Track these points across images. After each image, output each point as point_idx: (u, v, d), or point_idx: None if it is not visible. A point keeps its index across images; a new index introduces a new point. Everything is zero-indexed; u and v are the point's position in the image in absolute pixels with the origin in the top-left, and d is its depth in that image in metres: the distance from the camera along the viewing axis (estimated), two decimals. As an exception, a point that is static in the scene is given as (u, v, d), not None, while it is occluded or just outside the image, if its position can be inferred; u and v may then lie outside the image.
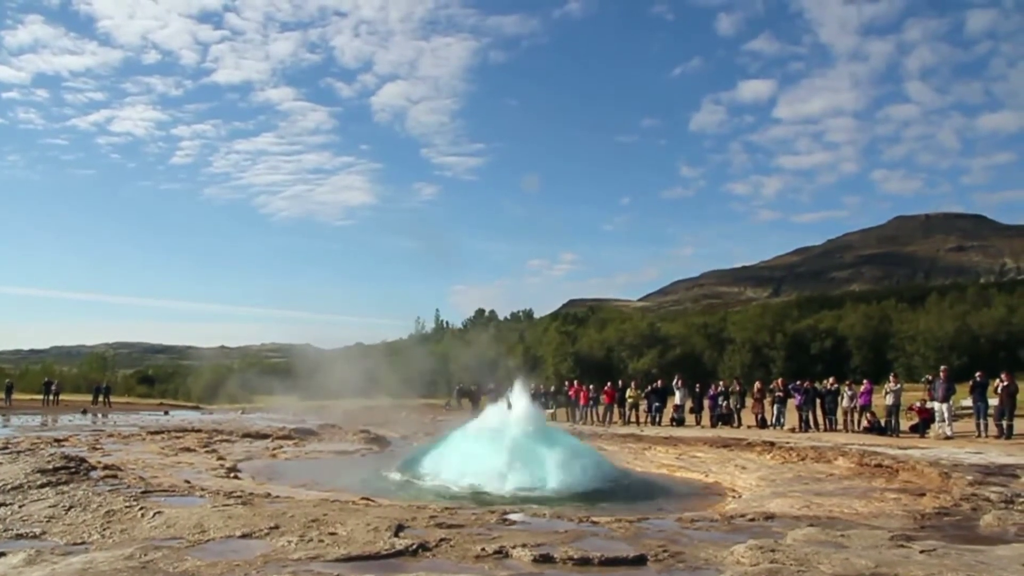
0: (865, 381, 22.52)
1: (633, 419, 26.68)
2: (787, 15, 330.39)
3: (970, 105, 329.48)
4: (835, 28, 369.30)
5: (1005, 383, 18.41)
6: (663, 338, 66.43)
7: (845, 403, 21.94)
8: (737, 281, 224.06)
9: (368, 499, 9.18)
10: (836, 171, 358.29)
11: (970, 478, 10.88)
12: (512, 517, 7.55)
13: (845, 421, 21.73)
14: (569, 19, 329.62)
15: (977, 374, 19.54)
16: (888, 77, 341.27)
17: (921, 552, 6.11)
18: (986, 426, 18.60)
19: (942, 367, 21.56)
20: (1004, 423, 18.01)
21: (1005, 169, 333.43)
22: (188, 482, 10.32)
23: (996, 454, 14.05)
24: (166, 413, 34.69)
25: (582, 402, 28.49)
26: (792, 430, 21.80)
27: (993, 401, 19.06)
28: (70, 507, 7.59)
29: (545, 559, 5.73)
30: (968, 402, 23.49)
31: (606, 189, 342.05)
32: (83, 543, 6.23)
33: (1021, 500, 9.13)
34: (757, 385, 25.61)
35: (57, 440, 16.07)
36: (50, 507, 7.59)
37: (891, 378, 21.92)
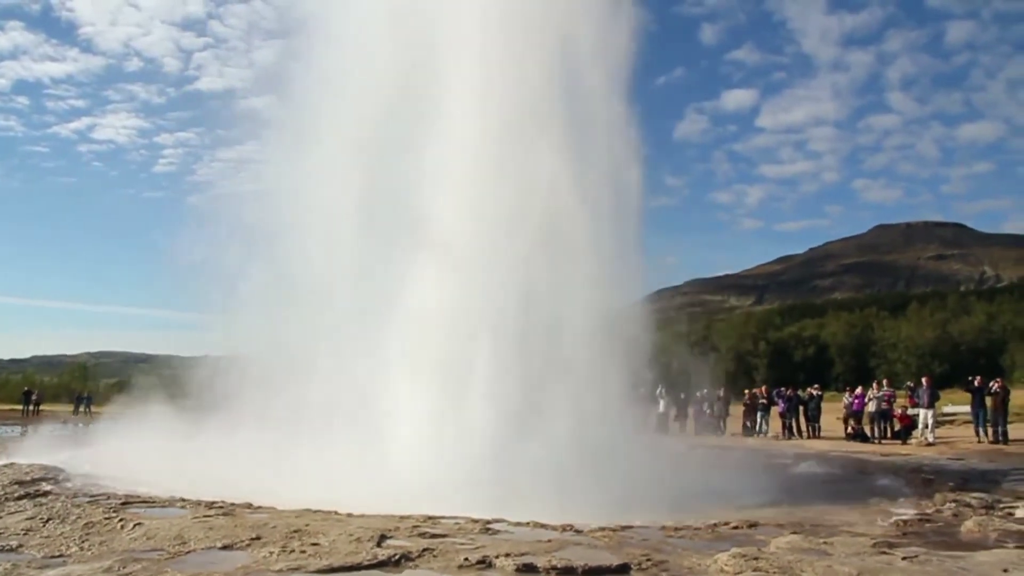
0: (859, 388, 22.55)
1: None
2: (770, 25, 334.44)
3: (950, 115, 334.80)
4: (817, 38, 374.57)
5: (999, 388, 18.53)
6: (647, 346, 66.47)
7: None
8: (720, 289, 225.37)
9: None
10: (818, 180, 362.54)
11: (952, 484, 10.97)
12: (495, 527, 7.51)
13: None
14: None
15: (976, 380, 19.46)
16: (869, 87, 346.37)
17: (903, 559, 6.14)
18: (985, 431, 18.67)
19: (924, 375, 21.70)
20: (1000, 429, 18.14)
21: (984, 178, 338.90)
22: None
23: (977, 461, 14.17)
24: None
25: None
26: (775, 437, 21.89)
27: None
28: (48, 519, 7.48)
29: (528, 568, 5.70)
30: (949, 408, 23.73)
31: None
32: (61, 556, 6.14)
33: (1001, 506, 9.21)
34: (746, 392, 25.65)
35: (36, 451, 15.86)
36: (27, 519, 7.48)
37: (874, 385, 22.03)
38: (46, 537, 6.78)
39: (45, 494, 9.11)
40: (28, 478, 10.22)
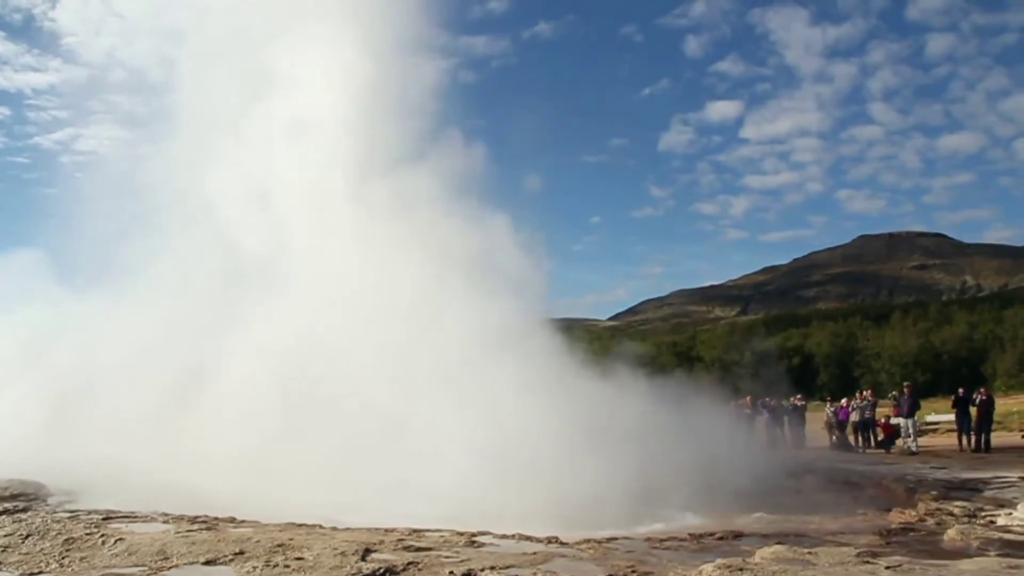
0: (844, 399, 22.62)
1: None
2: (753, 37, 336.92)
3: (931, 126, 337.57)
4: (800, 50, 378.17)
5: (983, 398, 18.65)
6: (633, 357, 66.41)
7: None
8: (705, 300, 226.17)
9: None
10: (802, 191, 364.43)
11: (934, 493, 11.02)
12: (481, 539, 7.49)
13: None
14: (539, 40, 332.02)
15: (960, 390, 19.59)
16: (852, 98, 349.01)
17: (887, 568, 6.16)
18: (969, 440, 18.76)
19: (905, 383, 21.81)
20: (983, 437, 18.25)
21: (965, 189, 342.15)
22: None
23: (960, 469, 14.25)
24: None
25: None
26: (760, 447, 21.88)
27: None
28: (27, 535, 7.38)
29: (514, 581, 5.69)
30: (933, 417, 23.86)
31: (576, 209, 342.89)
32: (40, 573, 6.07)
33: (984, 514, 9.27)
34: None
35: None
36: (6, 536, 7.38)
37: (857, 395, 22.12)
38: (25, 554, 6.69)
39: (24, 509, 8.99)
40: (6, 493, 10.08)
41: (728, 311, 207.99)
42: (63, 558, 6.52)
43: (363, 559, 6.32)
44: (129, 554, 6.62)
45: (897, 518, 9.44)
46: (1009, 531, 8.29)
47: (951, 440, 19.78)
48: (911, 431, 19.14)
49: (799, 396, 24.05)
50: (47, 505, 9.59)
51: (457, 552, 6.79)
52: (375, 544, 6.95)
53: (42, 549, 6.84)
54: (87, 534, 7.38)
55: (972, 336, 56.24)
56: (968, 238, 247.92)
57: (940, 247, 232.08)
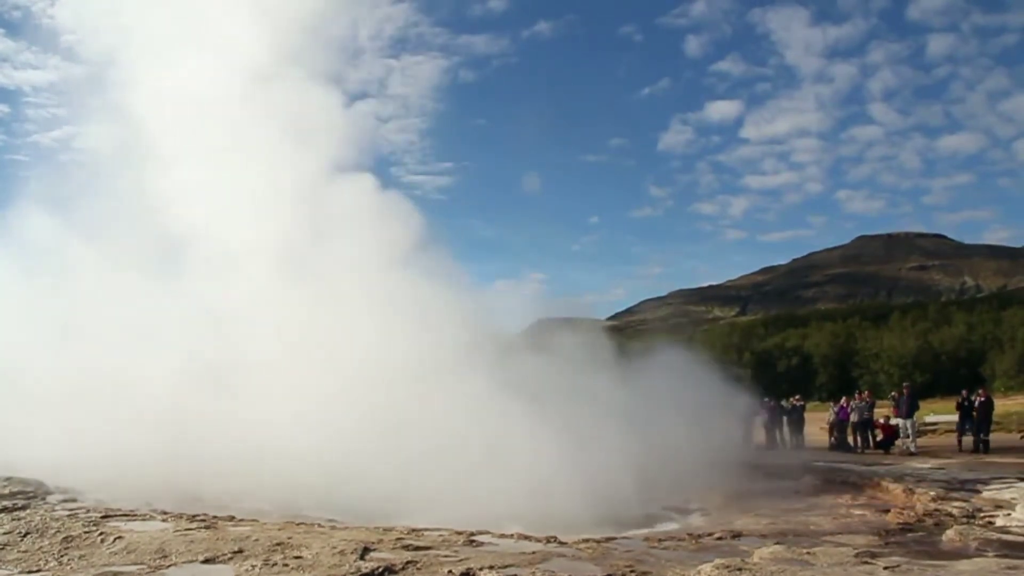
0: (844, 398, 22.64)
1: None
2: (754, 37, 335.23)
3: (931, 127, 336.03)
4: (800, 50, 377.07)
5: (982, 399, 18.67)
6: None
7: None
8: (704, 300, 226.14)
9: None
10: (802, 191, 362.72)
11: (933, 494, 11.03)
12: (480, 539, 7.49)
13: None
14: (538, 39, 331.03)
15: (964, 392, 19.63)
16: (852, 99, 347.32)
17: (885, 568, 6.17)
18: (970, 442, 18.76)
19: (904, 384, 21.82)
20: (981, 437, 18.26)
21: (965, 189, 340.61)
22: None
23: (958, 469, 14.26)
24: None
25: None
26: (759, 448, 21.88)
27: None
28: (26, 533, 7.38)
29: (513, 581, 5.69)
30: (932, 418, 23.89)
31: (575, 208, 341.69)
32: (39, 571, 6.07)
33: (982, 515, 9.28)
34: None
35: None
36: (5, 534, 7.38)
37: (855, 395, 22.13)
38: (24, 552, 6.69)
39: (23, 507, 8.99)
40: (6, 491, 10.08)
41: (727, 311, 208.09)
42: (62, 556, 6.52)
43: (362, 558, 6.33)
44: (128, 552, 6.62)
45: (896, 518, 9.44)
46: (1008, 532, 8.29)
47: (950, 440, 19.80)
48: (910, 432, 19.15)
49: (798, 396, 24.04)
50: (46, 503, 9.58)
51: (456, 551, 6.79)
52: (374, 543, 6.95)
53: (41, 547, 6.83)
54: (86, 532, 7.37)
55: (971, 337, 56.23)
56: (967, 239, 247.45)
57: (939, 248, 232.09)
